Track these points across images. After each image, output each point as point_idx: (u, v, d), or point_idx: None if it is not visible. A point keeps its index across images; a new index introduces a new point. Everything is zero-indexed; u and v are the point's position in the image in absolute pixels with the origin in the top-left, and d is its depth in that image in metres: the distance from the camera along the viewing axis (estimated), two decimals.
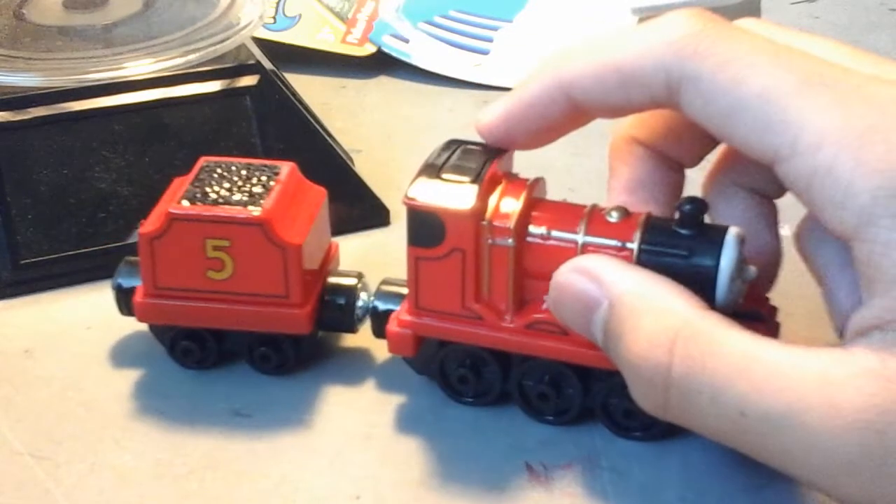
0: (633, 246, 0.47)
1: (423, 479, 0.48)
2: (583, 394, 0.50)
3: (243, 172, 0.53)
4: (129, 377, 0.54)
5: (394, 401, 0.52)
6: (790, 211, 0.66)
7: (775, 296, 0.59)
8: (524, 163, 0.71)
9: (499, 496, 0.47)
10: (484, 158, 0.49)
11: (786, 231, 0.64)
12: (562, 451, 0.49)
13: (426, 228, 0.48)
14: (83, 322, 0.57)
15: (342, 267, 0.59)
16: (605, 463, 0.49)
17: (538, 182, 0.50)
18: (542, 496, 0.47)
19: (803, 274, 0.60)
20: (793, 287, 0.59)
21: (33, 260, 0.60)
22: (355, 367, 0.54)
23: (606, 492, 0.47)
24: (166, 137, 0.62)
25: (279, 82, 0.66)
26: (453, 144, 0.51)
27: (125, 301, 0.54)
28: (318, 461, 0.49)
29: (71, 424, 0.51)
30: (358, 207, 0.65)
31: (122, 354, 0.55)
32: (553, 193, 0.51)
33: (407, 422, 0.51)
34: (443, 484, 0.48)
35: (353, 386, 0.53)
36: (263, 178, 0.53)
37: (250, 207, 0.51)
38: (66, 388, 0.53)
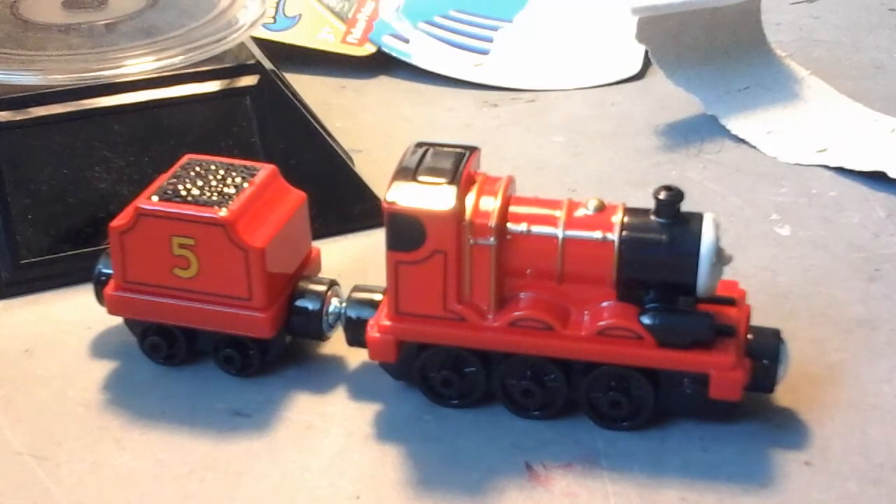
0: (614, 237, 0.48)
1: (422, 479, 0.48)
2: (566, 386, 0.50)
3: (220, 173, 0.53)
4: (129, 377, 0.54)
5: (394, 402, 0.52)
6: (790, 211, 0.66)
7: (776, 296, 0.59)
8: (525, 163, 0.71)
9: (499, 496, 0.47)
10: (457, 159, 0.50)
11: (786, 231, 0.65)
12: (562, 451, 0.49)
13: (406, 232, 0.48)
14: (83, 322, 0.57)
15: (342, 267, 0.59)
16: (605, 463, 0.49)
17: (511, 180, 0.51)
18: (542, 496, 0.47)
19: (804, 273, 0.61)
20: (794, 287, 0.60)
21: (33, 260, 0.60)
22: (356, 368, 0.54)
23: (606, 492, 0.47)
24: (166, 137, 0.62)
25: (279, 82, 0.66)
26: (422, 146, 0.51)
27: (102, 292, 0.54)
28: (318, 461, 0.49)
29: (71, 424, 0.51)
30: (358, 207, 0.65)
31: (122, 354, 0.55)
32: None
33: (407, 422, 0.51)
34: (443, 484, 0.48)
35: (353, 387, 0.53)
36: (238, 180, 0.53)
37: (216, 207, 0.51)
38: (66, 388, 0.53)
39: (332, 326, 0.54)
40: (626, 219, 0.48)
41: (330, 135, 0.69)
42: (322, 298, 0.53)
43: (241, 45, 0.66)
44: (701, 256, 0.47)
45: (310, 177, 0.60)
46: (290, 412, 0.52)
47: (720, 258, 0.48)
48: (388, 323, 0.50)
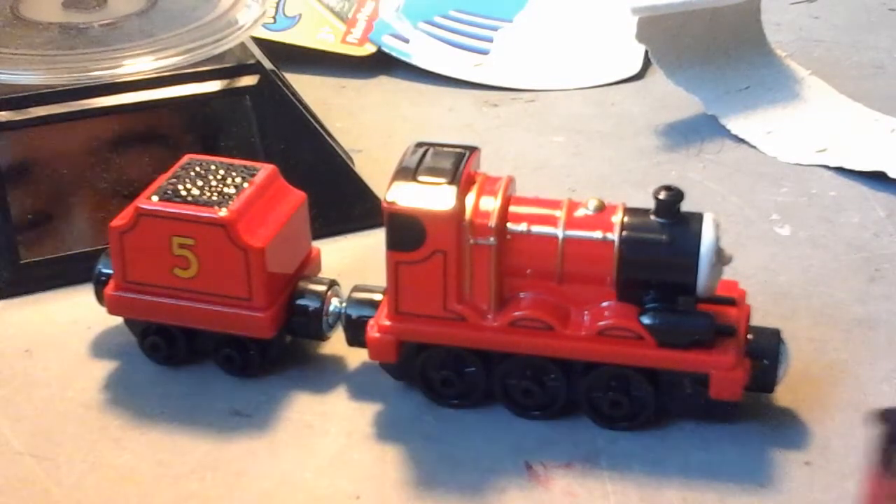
0: (614, 237, 0.48)
1: (423, 479, 0.48)
2: (567, 387, 0.50)
3: (220, 172, 0.53)
4: (129, 377, 0.54)
5: (394, 402, 0.52)
6: (790, 211, 0.66)
7: (776, 296, 0.59)
8: (525, 163, 0.71)
9: (499, 496, 0.47)
10: (457, 159, 0.50)
11: (786, 231, 0.65)
12: (562, 451, 0.49)
13: (406, 232, 0.48)
14: (83, 322, 0.57)
15: (342, 267, 0.59)
16: (605, 463, 0.49)
17: (511, 180, 0.51)
18: (542, 496, 0.47)
19: (804, 273, 0.61)
20: (794, 287, 0.60)
21: (33, 260, 0.60)
22: (356, 368, 0.54)
23: (606, 492, 0.47)
24: (166, 137, 0.62)
25: (279, 82, 0.66)
26: (422, 146, 0.51)
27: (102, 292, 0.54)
28: (318, 461, 0.49)
29: (71, 424, 0.51)
30: (358, 207, 0.65)
31: (122, 354, 0.55)
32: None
33: (407, 422, 0.51)
34: (443, 484, 0.48)
35: (353, 387, 0.53)
36: (238, 180, 0.53)
37: (216, 207, 0.51)
38: (66, 388, 0.53)
39: (332, 326, 0.54)
40: (626, 219, 0.48)
41: (330, 135, 0.69)
42: (322, 298, 0.53)
43: (241, 45, 0.66)
44: (701, 256, 0.47)
45: (310, 177, 0.60)
46: (290, 412, 0.52)
47: (720, 258, 0.48)
48: (388, 323, 0.50)
